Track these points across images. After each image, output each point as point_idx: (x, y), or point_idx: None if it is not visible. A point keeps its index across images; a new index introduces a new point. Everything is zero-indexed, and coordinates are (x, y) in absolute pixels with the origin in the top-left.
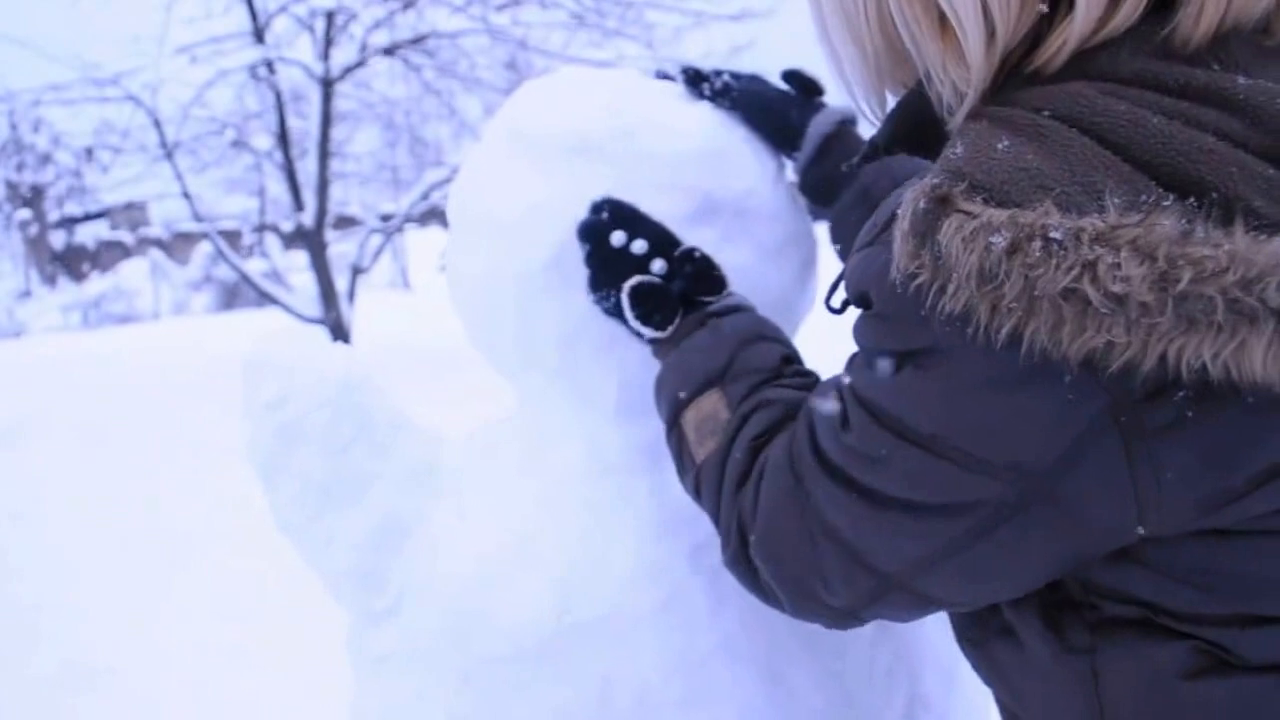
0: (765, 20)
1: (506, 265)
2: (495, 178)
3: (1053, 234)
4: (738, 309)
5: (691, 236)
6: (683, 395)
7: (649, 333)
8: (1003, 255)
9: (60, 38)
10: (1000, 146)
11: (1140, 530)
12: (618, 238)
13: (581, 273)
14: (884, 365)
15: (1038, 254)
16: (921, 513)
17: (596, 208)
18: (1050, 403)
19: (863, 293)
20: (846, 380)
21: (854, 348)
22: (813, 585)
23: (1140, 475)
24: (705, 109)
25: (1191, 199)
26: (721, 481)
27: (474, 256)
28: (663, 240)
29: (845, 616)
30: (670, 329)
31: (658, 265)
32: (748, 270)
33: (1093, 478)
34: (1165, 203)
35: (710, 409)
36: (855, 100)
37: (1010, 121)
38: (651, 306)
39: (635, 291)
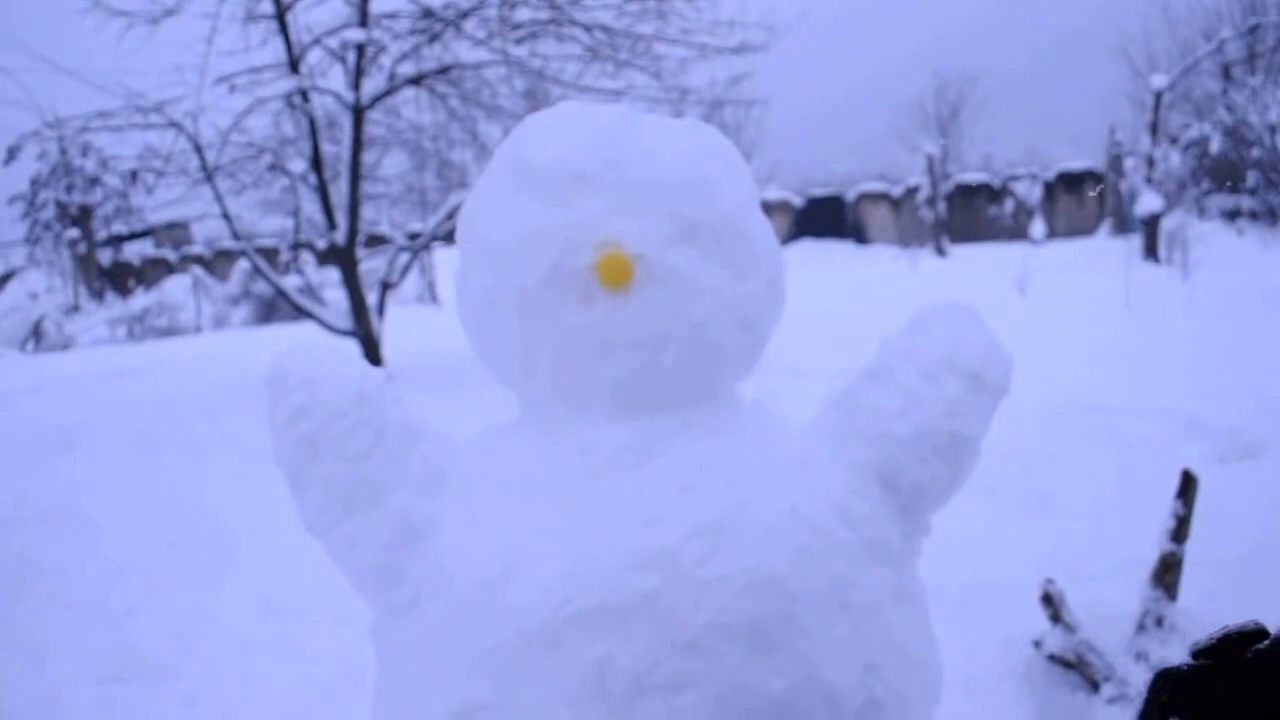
0: (762, 53)
1: (508, 284)
2: (499, 204)
3: None
4: None
5: (674, 255)
6: None
7: None
8: None
9: (107, 68)
10: None
11: None
12: None
13: (574, 287)
14: None
15: None
16: None
17: None
18: None
19: None
20: None
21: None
22: None
23: None
24: (688, 139)
25: None
26: None
27: (479, 276)
28: None
29: None
30: None
31: None
32: (723, 285)
33: None
34: None
35: None
36: None
37: None
38: None
39: None
